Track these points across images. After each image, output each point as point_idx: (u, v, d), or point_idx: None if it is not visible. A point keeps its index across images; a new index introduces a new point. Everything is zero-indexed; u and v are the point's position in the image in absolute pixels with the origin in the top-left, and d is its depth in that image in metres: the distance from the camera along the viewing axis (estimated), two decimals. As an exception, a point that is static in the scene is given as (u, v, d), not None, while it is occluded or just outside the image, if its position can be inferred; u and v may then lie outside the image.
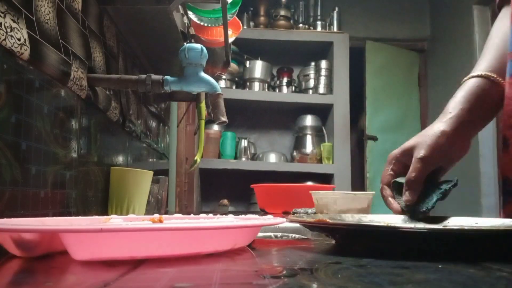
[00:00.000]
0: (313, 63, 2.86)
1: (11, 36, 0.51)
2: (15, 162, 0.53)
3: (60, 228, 0.31)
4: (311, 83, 2.84)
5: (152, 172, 0.96)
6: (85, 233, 0.31)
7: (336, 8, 3.02)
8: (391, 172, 0.60)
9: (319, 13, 3.09)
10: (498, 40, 0.61)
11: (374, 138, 3.00)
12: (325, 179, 2.68)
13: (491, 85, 0.57)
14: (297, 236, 0.59)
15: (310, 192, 1.20)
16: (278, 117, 3.00)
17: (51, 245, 0.36)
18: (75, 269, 0.32)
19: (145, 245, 0.33)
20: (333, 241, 0.50)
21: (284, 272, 0.29)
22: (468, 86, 0.59)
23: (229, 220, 0.50)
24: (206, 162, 2.51)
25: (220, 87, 0.83)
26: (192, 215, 0.59)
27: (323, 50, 2.92)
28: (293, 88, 2.91)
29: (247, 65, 2.79)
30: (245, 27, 2.78)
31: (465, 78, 0.60)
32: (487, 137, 2.43)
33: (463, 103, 0.57)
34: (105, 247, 0.32)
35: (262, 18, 2.97)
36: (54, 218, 0.50)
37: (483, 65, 0.59)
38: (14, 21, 0.53)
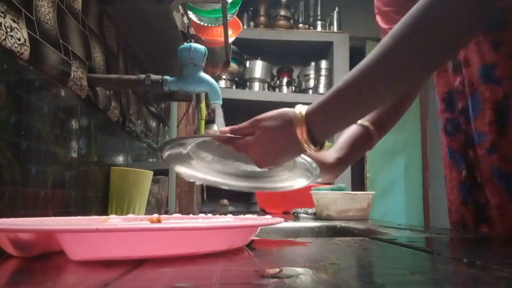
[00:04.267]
0: (313, 63, 2.85)
1: (11, 36, 0.51)
2: (15, 162, 0.53)
3: (56, 228, 0.31)
4: (311, 83, 2.84)
5: (152, 172, 0.96)
6: (81, 233, 0.31)
7: (336, 8, 3.02)
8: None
9: (319, 13, 3.08)
10: None
11: (374, 138, 2.99)
12: (325, 179, 2.68)
13: (367, 132, 0.75)
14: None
15: (310, 192, 1.20)
16: (278, 117, 2.99)
17: (48, 245, 0.36)
18: (74, 269, 0.32)
19: (142, 245, 0.33)
20: (333, 241, 0.50)
21: (284, 272, 0.29)
22: (351, 132, 0.76)
23: (227, 220, 0.50)
24: (206, 162, 2.51)
25: (220, 87, 0.83)
26: (191, 215, 0.59)
27: (323, 50, 2.92)
28: (293, 88, 2.91)
29: (247, 65, 2.79)
30: (245, 27, 2.78)
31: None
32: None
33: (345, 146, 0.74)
34: (101, 247, 0.32)
35: (262, 18, 2.97)
36: (53, 218, 0.50)
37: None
38: (14, 21, 0.53)
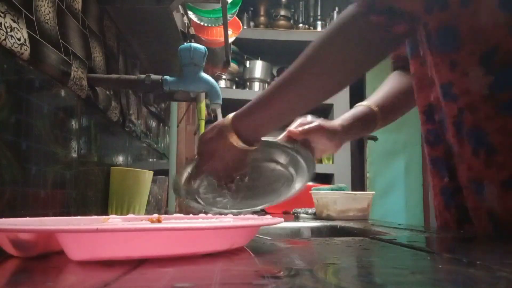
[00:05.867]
0: (313, 63, 2.85)
1: (11, 36, 0.51)
2: (15, 162, 0.53)
3: (56, 228, 0.31)
4: (311, 83, 2.84)
5: (152, 172, 0.96)
6: (81, 233, 0.31)
7: (336, 8, 3.01)
8: None
9: (319, 13, 3.08)
10: (386, 87, 0.86)
11: (374, 138, 2.99)
12: (325, 179, 2.68)
13: (371, 113, 0.81)
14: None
15: (310, 192, 1.20)
16: (278, 117, 2.99)
17: (48, 245, 0.36)
18: (74, 269, 0.32)
19: (142, 245, 0.33)
20: (333, 241, 0.50)
21: (284, 272, 0.29)
22: (356, 109, 0.82)
23: (227, 220, 0.50)
24: (206, 162, 2.51)
25: (220, 87, 0.83)
26: (191, 215, 0.59)
27: (323, 50, 2.92)
28: (293, 88, 2.90)
29: (247, 65, 2.79)
30: (245, 27, 2.78)
31: (357, 104, 0.83)
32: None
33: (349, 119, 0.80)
34: (101, 247, 0.32)
35: (262, 18, 2.97)
36: (53, 218, 0.50)
37: (371, 99, 0.83)
38: (14, 21, 0.53)
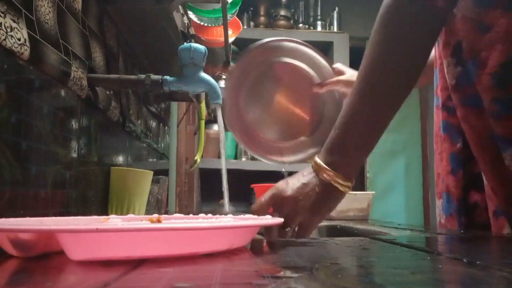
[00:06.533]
0: (313, 63, 2.86)
1: (11, 36, 0.51)
2: (15, 162, 0.53)
3: (56, 228, 0.31)
4: (311, 83, 2.84)
5: (152, 172, 0.96)
6: (81, 233, 0.31)
7: (336, 8, 3.02)
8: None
9: (319, 13, 3.08)
10: None
11: (374, 138, 2.99)
12: (325, 179, 2.68)
13: None
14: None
15: (310, 192, 1.19)
16: (278, 117, 2.99)
17: (48, 245, 0.36)
18: (74, 269, 0.32)
19: (142, 245, 0.33)
20: (333, 241, 0.50)
21: (284, 272, 0.29)
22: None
23: (227, 220, 0.50)
24: (206, 162, 2.51)
25: (220, 87, 0.83)
26: (191, 215, 0.59)
27: (323, 50, 2.90)
28: (293, 88, 2.91)
29: (247, 65, 2.79)
30: (245, 27, 2.78)
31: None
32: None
33: None
34: (101, 247, 0.32)
35: (262, 18, 2.97)
36: (53, 218, 0.50)
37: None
38: (14, 21, 0.53)
